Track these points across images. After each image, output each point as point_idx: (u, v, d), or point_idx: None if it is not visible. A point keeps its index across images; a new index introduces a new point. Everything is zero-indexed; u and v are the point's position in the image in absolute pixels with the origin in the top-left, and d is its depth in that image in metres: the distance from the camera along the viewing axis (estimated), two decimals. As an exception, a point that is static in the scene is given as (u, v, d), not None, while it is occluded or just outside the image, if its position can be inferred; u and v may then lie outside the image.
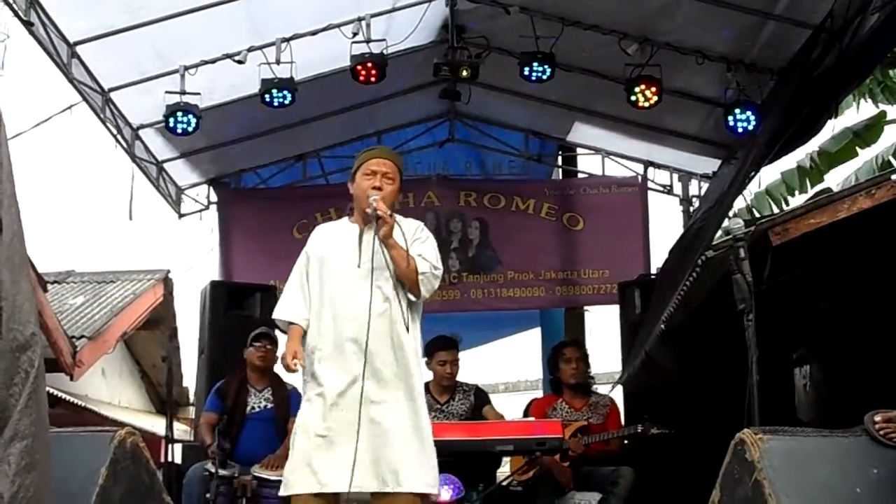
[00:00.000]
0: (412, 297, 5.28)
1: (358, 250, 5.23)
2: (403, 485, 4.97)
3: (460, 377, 8.36)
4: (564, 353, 8.37)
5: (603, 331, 12.19)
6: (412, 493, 5.01)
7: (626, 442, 8.19)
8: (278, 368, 6.95)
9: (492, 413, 8.14)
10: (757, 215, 12.41)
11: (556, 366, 8.45)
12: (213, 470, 7.02)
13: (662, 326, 7.33)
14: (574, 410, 8.19)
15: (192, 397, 13.24)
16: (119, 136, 9.72)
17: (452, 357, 8.08)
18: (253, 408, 7.58)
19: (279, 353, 5.43)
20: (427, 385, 8.15)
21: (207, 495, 6.97)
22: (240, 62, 8.93)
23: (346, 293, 5.17)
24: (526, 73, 9.23)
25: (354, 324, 5.08)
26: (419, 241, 5.33)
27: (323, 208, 11.05)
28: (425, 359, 8.18)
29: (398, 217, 5.28)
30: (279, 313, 5.41)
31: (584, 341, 11.82)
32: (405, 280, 5.19)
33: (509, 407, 10.93)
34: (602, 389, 8.70)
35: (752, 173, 9.98)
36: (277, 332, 6.63)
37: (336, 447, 4.99)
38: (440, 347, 8.10)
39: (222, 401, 7.68)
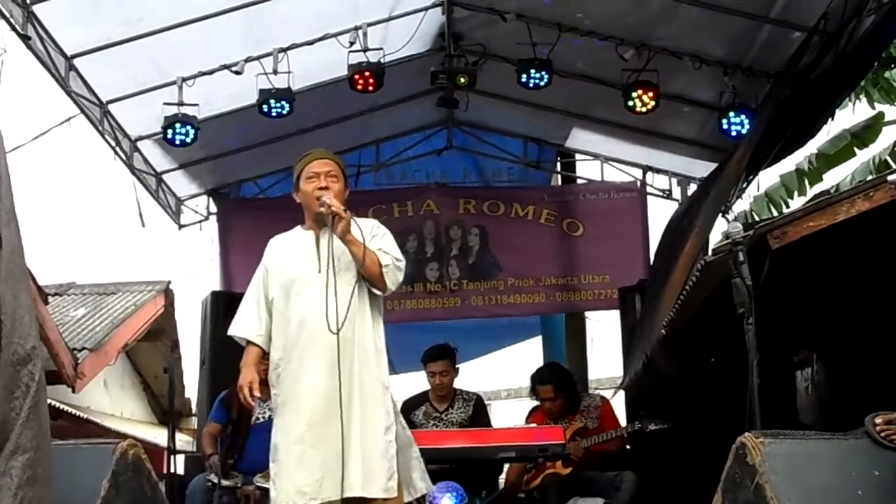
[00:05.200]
0: (376, 292, 5.27)
1: (316, 256, 5.23)
2: (379, 490, 5.01)
3: (463, 385, 8.37)
4: (539, 391, 8.27)
5: (604, 336, 12.20)
6: (389, 497, 5.05)
7: (627, 446, 8.20)
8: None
9: None
10: (756, 218, 12.40)
11: (535, 394, 8.40)
12: (215, 481, 7.03)
13: (663, 331, 7.33)
14: (567, 422, 8.17)
15: (194, 408, 13.25)
16: (118, 148, 9.74)
17: (441, 368, 8.08)
18: (257, 418, 7.57)
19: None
20: (426, 394, 8.18)
21: (210, 506, 6.99)
22: (237, 73, 8.96)
23: (310, 300, 5.15)
24: (523, 79, 9.25)
25: (322, 330, 5.05)
26: (377, 237, 5.31)
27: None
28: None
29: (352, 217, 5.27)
30: (235, 329, 5.41)
31: (584, 348, 11.86)
32: (369, 275, 5.18)
33: (512, 413, 10.94)
34: (605, 394, 8.69)
35: (752, 176, 10.01)
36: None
37: (322, 457, 4.99)
38: (429, 359, 8.13)
39: (227, 411, 7.67)
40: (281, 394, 5.21)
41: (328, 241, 5.18)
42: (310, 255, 5.27)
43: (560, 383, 8.27)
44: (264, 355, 5.34)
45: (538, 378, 8.40)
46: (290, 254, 5.38)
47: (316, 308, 5.11)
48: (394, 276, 5.26)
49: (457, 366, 8.24)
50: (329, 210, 5.12)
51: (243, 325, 5.38)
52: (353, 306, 5.12)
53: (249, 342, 5.33)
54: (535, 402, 8.63)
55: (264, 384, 5.50)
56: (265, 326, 5.31)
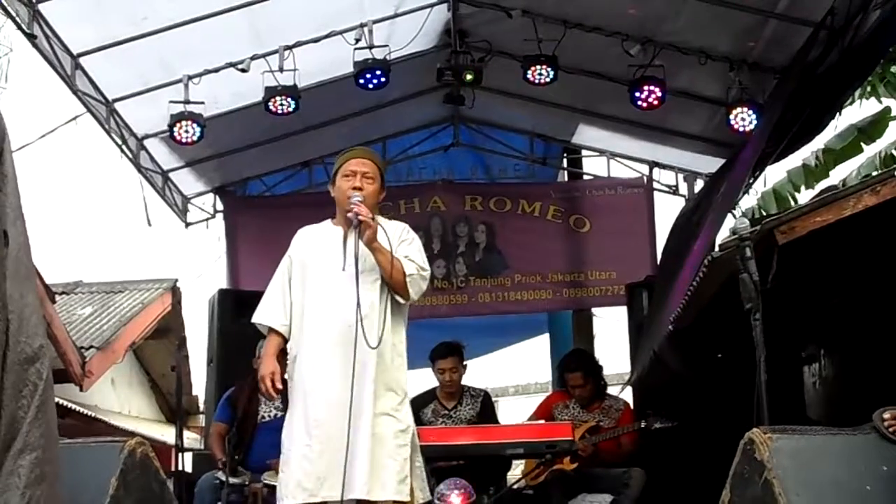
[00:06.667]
0: (400, 300, 5.27)
1: (342, 253, 5.22)
2: (390, 493, 4.99)
3: (471, 381, 8.36)
4: (569, 379, 8.29)
5: (611, 332, 12.19)
6: (398, 500, 5.03)
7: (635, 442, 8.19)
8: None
9: None
10: (763, 214, 12.39)
11: (563, 383, 8.45)
12: (223, 478, 7.02)
13: (671, 327, 7.33)
14: (585, 412, 8.17)
15: (201, 406, 13.24)
16: (124, 147, 9.74)
17: (450, 365, 8.06)
18: (263, 416, 7.56)
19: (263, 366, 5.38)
20: (434, 391, 8.17)
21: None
22: (243, 70, 8.95)
23: (330, 297, 5.15)
24: (529, 76, 9.23)
25: (339, 328, 5.07)
26: (405, 243, 5.31)
27: (329, 215, 10.98)
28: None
29: (382, 220, 5.28)
30: (260, 317, 5.39)
31: (592, 345, 11.84)
32: (392, 282, 5.17)
33: (520, 410, 10.94)
34: (611, 391, 8.69)
35: (759, 172, 9.99)
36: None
37: (327, 455, 4.99)
38: (438, 356, 8.10)
39: (233, 410, 7.67)
40: (296, 386, 5.21)
41: (354, 241, 5.18)
42: (335, 251, 5.25)
43: (588, 369, 8.31)
44: (286, 344, 5.33)
45: (566, 367, 8.43)
46: (316, 247, 5.38)
47: (335, 304, 5.13)
48: (418, 286, 5.27)
49: (465, 362, 8.24)
50: (355, 217, 5.12)
51: (267, 313, 5.37)
52: (375, 308, 5.13)
53: (272, 330, 5.32)
54: (541, 398, 8.63)
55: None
56: (290, 316, 5.30)
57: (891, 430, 4.48)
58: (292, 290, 5.32)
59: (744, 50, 9.04)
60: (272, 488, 6.96)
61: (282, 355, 5.37)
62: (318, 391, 5.07)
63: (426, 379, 8.36)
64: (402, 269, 5.16)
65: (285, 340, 5.33)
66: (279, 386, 5.16)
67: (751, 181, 10.21)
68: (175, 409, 9.89)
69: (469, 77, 9.42)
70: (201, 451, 9.25)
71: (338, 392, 5.02)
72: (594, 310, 12.35)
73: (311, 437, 5.03)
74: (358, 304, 5.04)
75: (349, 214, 5.16)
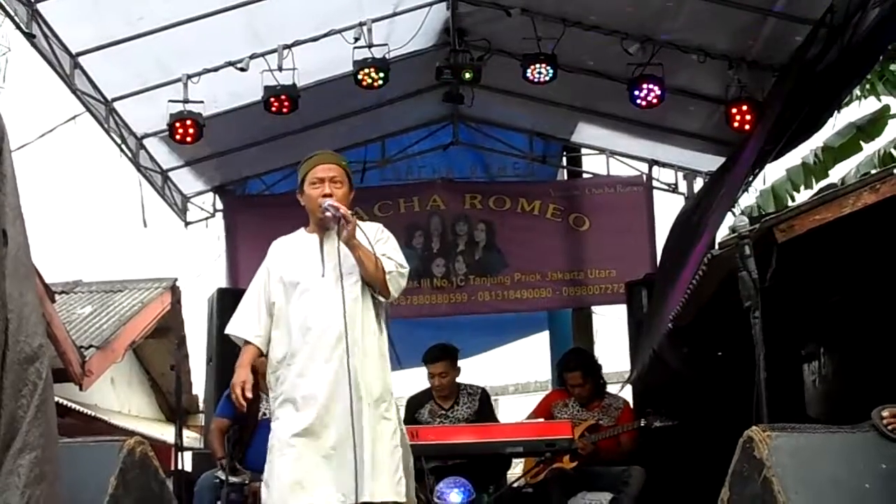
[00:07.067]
0: (381, 298, 5.27)
1: (320, 259, 5.22)
2: (378, 495, 4.97)
3: (469, 379, 8.36)
4: (568, 378, 8.30)
5: (611, 330, 12.20)
6: (388, 502, 5.02)
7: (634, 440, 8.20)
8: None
9: None
10: (763, 212, 12.39)
11: (563, 382, 8.46)
12: (223, 477, 7.02)
13: (670, 325, 7.34)
14: (585, 410, 8.18)
15: (201, 405, 13.24)
16: (123, 146, 9.73)
17: (440, 370, 8.05)
18: (264, 414, 7.54)
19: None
20: (430, 391, 8.16)
21: (218, 503, 6.97)
22: (242, 70, 8.94)
23: (314, 305, 5.14)
24: (528, 74, 9.23)
25: (328, 333, 5.07)
26: (381, 242, 5.30)
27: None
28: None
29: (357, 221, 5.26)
30: (233, 328, 5.38)
31: (592, 343, 11.84)
32: (373, 281, 5.17)
33: (520, 408, 10.93)
34: (611, 389, 8.69)
35: (758, 170, 10.00)
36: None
37: (315, 461, 4.98)
38: (428, 360, 8.12)
39: (233, 406, 7.64)
40: (279, 396, 5.21)
41: (333, 244, 5.18)
42: (313, 258, 5.26)
43: (587, 368, 8.32)
44: (261, 356, 5.32)
45: (565, 366, 8.44)
46: (293, 256, 5.37)
47: (319, 312, 5.12)
48: (397, 283, 5.26)
49: (458, 365, 8.21)
50: (336, 212, 5.11)
51: (242, 325, 5.36)
52: (357, 311, 5.13)
53: (247, 342, 5.31)
54: (540, 396, 8.64)
55: (264, 377, 5.49)
56: (265, 327, 5.28)
57: (890, 427, 4.48)
58: (274, 302, 5.30)
59: (743, 48, 9.04)
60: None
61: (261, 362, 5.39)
62: (312, 398, 5.05)
63: (424, 377, 8.35)
64: (382, 266, 5.16)
65: (260, 351, 5.31)
66: (249, 395, 5.15)
67: (750, 179, 10.22)
68: (175, 408, 9.90)
69: (468, 76, 9.42)
70: (201, 450, 9.25)
71: (327, 397, 5.02)
72: (594, 308, 12.36)
73: (302, 444, 5.02)
74: (344, 307, 5.05)
75: (327, 214, 5.15)
